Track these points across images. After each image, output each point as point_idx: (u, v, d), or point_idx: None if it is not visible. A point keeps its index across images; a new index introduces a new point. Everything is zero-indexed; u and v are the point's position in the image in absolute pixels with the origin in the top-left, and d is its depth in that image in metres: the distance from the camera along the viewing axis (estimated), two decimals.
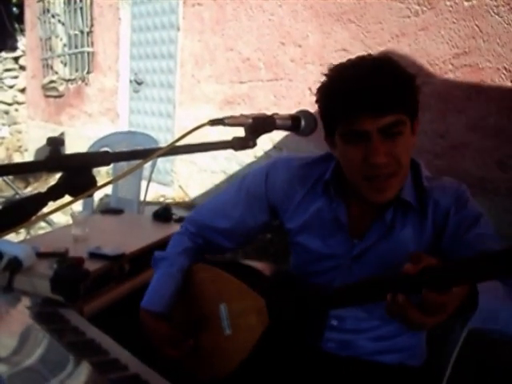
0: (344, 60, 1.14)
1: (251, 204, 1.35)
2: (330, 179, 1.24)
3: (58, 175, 0.74)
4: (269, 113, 1.02)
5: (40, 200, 0.71)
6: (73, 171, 0.73)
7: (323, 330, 1.27)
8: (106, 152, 0.77)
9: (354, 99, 1.05)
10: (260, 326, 1.17)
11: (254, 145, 0.94)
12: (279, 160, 1.36)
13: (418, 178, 1.22)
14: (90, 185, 0.74)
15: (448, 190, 1.20)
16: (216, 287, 1.30)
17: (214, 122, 0.89)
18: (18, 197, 5.15)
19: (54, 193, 0.72)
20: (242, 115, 0.95)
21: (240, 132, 0.95)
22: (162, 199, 5.27)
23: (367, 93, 1.04)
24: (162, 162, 5.25)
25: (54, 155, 0.72)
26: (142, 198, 3.21)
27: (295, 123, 1.04)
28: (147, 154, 0.79)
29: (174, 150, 0.82)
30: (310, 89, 3.99)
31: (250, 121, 0.94)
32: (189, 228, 1.43)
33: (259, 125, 0.95)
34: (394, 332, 1.25)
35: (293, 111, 1.07)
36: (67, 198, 0.72)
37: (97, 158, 0.76)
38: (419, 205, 1.20)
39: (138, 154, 0.81)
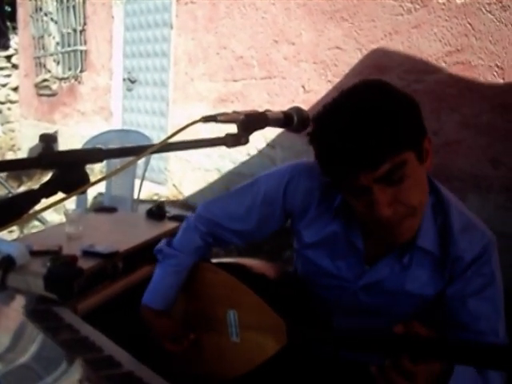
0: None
1: (267, 211, 1.30)
2: (339, 206, 1.18)
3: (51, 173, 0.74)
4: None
5: (32, 197, 0.71)
6: (66, 168, 0.72)
7: None
8: (99, 149, 0.77)
9: (339, 162, 0.98)
10: (275, 347, 1.16)
11: (247, 141, 0.94)
12: (303, 166, 1.27)
13: (445, 220, 1.13)
14: (83, 182, 0.73)
15: (475, 244, 1.11)
16: (225, 292, 1.28)
17: (207, 119, 0.89)
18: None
19: (47, 189, 0.71)
20: (234, 112, 0.94)
21: (233, 130, 0.95)
22: (155, 197, 5.26)
23: (351, 152, 0.95)
24: (155, 160, 5.24)
25: (46, 152, 0.71)
26: (135, 197, 3.21)
27: (288, 120, 1.04)
28: (140, 150, 0.79)
29: (166, 146, 0.82)
30: (303, 87, 4.00)
31: (243, 117, 0.94)
32: (199, 226, 1.37)
33: (251, 121, 0.94)
34: None
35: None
36: (60, 195, 0.72)
37: (90, 154, 0.76)
38: (440, 251, 1.13)
39: (131, 150, 0.80)
